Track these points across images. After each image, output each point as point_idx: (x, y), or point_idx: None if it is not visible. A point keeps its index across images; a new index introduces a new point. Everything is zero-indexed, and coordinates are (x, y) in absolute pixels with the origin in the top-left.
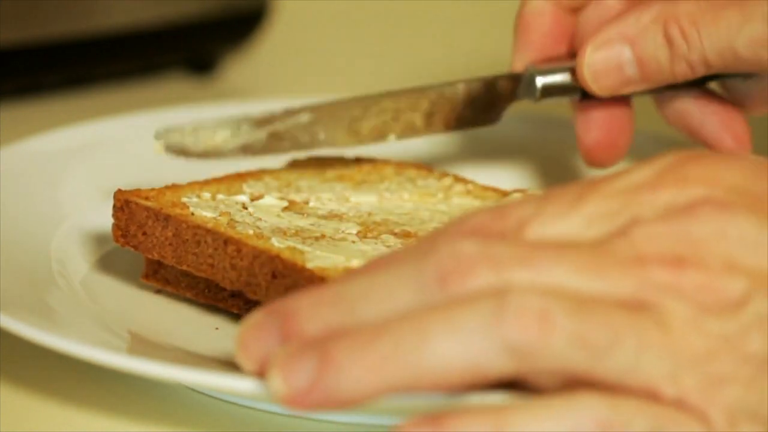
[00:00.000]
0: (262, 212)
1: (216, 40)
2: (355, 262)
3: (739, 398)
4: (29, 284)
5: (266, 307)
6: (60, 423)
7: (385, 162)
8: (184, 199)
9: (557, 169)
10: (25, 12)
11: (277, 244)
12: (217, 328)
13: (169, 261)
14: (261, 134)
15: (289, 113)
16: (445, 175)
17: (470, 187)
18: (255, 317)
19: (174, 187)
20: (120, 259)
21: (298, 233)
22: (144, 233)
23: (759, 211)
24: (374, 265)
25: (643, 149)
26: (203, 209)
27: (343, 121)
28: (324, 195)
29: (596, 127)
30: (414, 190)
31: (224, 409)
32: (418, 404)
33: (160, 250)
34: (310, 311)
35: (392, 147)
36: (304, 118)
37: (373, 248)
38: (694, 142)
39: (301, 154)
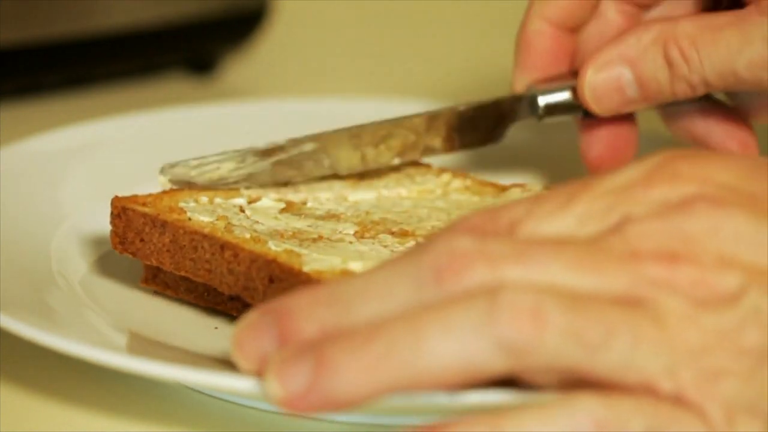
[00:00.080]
0: (260, 215)
1: (216, 40)
2: (352, 264)
3: (736, 392)
4: (29, 284)
5: (262, 307)
6: (60, 423)
7: None
8: (182, 204)
9: (556, 164)
10: (25, 12)
11: (274, 247)
12: (216, 328)
13: (167, 267)
14: (266, 164)
15: (294, 143)
16: (443, 170)
17: (468, 182)
18: (250, 317)
19: (172, 192)
20: (120, 259)
21: (295, 235)
22: (141, 240)
23: (752, 208)
24: (372, 268)
25: (642, 149)
26: (200, 213)
27: (346, 147)
28: (322, 194)
29: (600, 142)
30: (412, 186)
31: (224, 409)
32: (415, 404)
33: (158, 256)
34: (305, 311)
35: None
36: (309, 147)
37: (370, 249)
38: (692, 143)
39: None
